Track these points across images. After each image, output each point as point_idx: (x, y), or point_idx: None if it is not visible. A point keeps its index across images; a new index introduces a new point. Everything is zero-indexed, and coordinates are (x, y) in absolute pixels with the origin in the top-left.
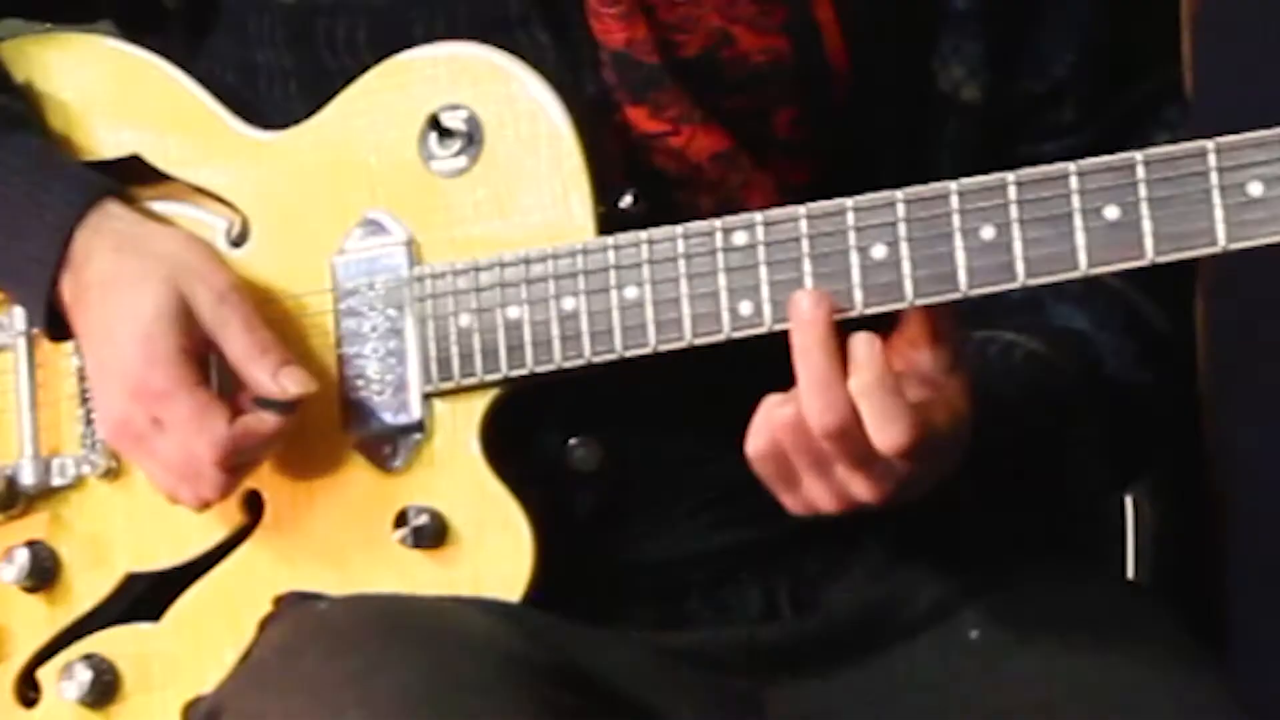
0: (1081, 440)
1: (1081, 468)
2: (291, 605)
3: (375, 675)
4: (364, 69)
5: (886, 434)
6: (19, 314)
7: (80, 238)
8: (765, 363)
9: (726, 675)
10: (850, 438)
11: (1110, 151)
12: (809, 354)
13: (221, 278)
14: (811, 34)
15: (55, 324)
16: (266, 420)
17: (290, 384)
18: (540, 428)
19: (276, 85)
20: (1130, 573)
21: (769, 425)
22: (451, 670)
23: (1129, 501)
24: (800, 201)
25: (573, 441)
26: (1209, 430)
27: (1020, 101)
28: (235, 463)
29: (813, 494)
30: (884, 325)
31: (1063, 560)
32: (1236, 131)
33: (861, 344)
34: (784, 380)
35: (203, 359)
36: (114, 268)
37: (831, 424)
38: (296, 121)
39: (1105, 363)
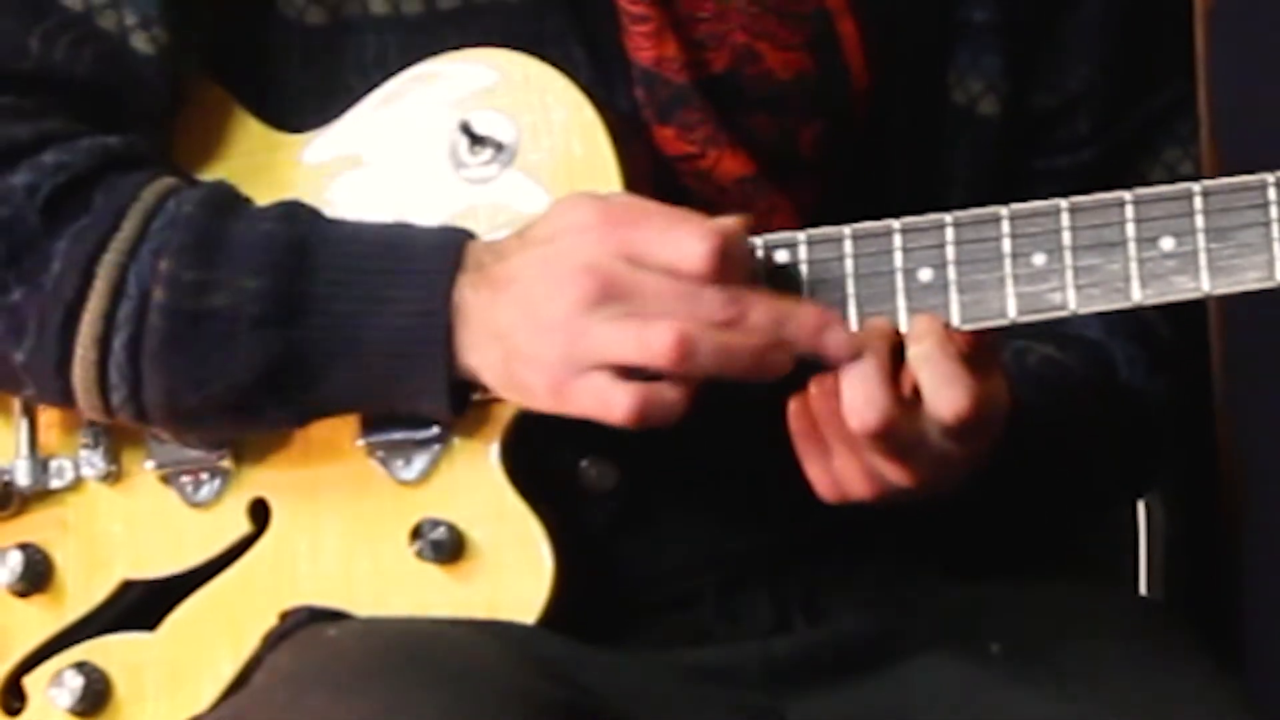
0: (1096, 444)
1: (1095, 472)
2: (300, 625)
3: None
4: None
5: (945, 398)
6: None
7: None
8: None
9: (744, 690)
10: (890, 434)
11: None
12: (865, 356)
13: None
14: (834, 49)
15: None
16: None
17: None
18: (556, 445)
19: (289, 98)
20: (1143, 583)
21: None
22: (465, 715)
23: (1142, 512)
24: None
25: (585, 462)
26: (1224, 439)
27: (1034, 114)
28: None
29: (846, 474)
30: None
31: (1075, 572)
32: (1250, 126)
33: (922, 318)
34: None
35: None
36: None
37: (872, 421)
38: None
39: (1119, 370)
